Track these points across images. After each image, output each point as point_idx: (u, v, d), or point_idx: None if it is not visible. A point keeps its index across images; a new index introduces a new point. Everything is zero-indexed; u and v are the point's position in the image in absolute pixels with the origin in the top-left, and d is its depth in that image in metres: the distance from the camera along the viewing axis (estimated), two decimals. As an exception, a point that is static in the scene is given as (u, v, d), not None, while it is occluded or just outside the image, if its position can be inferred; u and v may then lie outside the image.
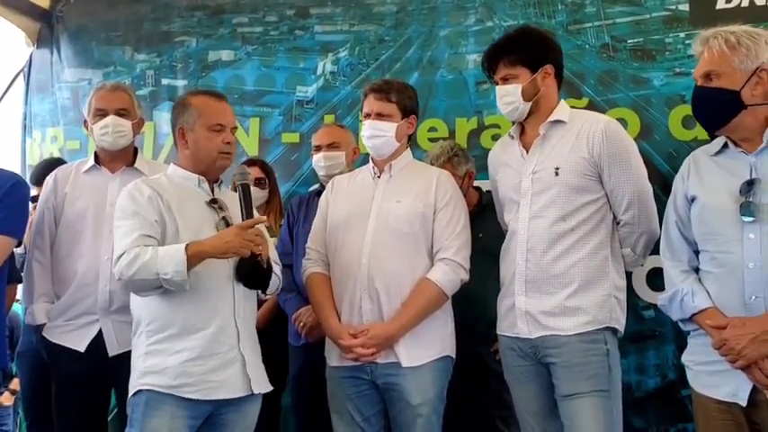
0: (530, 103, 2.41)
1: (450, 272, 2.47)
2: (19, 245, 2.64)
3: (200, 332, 2.23)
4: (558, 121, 2.41)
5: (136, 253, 2.17)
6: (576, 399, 2.26)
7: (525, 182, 2.39)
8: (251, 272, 2.27)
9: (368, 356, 2.42)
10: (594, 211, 2.34)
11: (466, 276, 2.51)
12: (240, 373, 2.27)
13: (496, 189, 2.59)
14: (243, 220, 2.28)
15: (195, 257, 2.16)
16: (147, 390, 2.21)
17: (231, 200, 2.39)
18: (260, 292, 2.41)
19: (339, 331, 2.47)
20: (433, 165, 2.97)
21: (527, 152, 2.43)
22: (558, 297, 2.30)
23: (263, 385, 2.35)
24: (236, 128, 2.45)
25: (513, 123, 2.54)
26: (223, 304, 2.27)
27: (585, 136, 2.35)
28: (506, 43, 2.47)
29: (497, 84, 2.47)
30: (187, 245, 2.17)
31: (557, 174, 2.34)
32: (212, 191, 2.40)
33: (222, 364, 2.24)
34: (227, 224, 2.30)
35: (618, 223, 2.37)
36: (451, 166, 3.11)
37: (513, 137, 2.50)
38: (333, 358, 2.56)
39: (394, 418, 2.48)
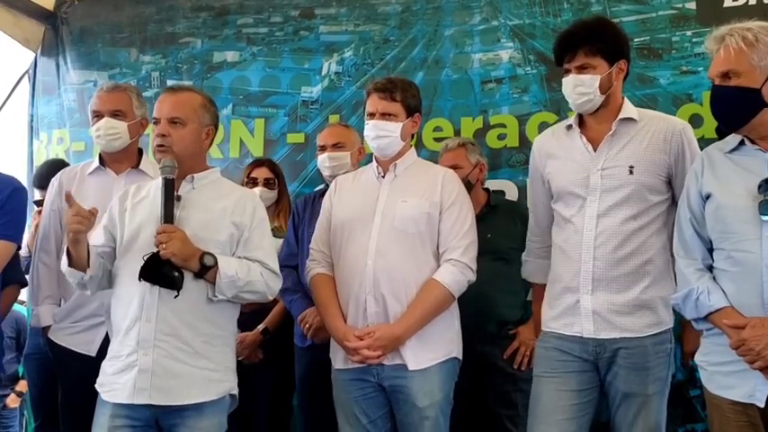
0: (603, 96, 2.33)
1: (458, 273, 2.44)
2: (18, 249, 2.65)
3: (119, 333, 2.24)
4: (628, 119, 2.36)
5: None
6: (636, 398, 2.25)
7: (594, 178, 2.32)
8: (149, 266, 2.16)
9: (374, 359, 2.39)
10: (662, 211, 2.32)
11: (473, 277, 2.49)
12: (134, 378, 2.15)
13: (543, 179, 2.48)
14: (161, 216, 2.18)
15: (70, 245, 2.19)
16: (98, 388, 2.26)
17: (207, 197, 2.30)
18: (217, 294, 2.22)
19: (345, 333, 2.43)
20: (447, 148, 3.12)
21: (593, 147, 2.37)
22: (626, 296, 2.27)
23: (173, 396, 2.16)
24: (177, 119, 2.26)
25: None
26: (132, 306, 2.21)
27: (663, 136, 2.31)
28: (586, 32, 2.36)
29: (569, 72, 2.36)
30: None
31: (631, 172, 2.29)
32: (176, 187, 2.24)
33: (124, 367, 2.19)
34: (168, 220, 2.19)
35: None
36: (465, 150, 3.12)
37: (571, 128, 2.43)
38: (338, 360, 2.52)
39: (400, 421, 2.45)
